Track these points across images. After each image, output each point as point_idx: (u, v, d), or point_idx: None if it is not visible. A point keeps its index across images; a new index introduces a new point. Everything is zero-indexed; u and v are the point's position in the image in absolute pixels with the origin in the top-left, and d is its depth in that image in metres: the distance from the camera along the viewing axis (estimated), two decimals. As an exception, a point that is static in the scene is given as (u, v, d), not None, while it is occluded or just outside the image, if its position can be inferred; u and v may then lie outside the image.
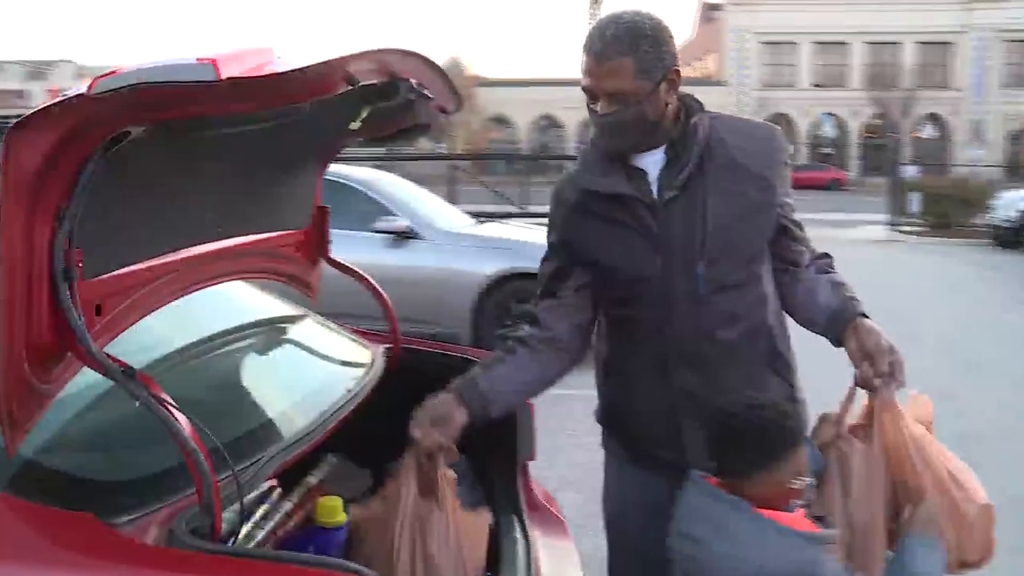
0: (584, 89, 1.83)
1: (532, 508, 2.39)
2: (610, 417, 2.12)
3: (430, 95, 1.85)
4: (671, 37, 1.83)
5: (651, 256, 1.87)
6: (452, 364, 2.48)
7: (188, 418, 1.32)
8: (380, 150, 23.08)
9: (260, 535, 2.05)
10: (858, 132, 51.70)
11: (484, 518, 1.94)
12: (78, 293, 1.28)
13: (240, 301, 2.54)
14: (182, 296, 1.75)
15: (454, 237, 7.22)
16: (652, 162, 1.88)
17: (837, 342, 1.90)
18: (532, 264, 6.81)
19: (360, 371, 2.26)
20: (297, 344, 2.50)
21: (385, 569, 1.67)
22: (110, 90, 1.16)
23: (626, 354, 2.01)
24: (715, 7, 56.83)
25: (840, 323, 1.88)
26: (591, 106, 1.83)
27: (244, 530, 2.02)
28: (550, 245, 2.04)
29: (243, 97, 1.25)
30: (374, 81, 1.60)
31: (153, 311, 1.64)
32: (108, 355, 1.31)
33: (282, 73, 1.22)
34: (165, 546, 1.27)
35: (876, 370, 1.78)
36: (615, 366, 2.05)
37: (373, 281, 2.54)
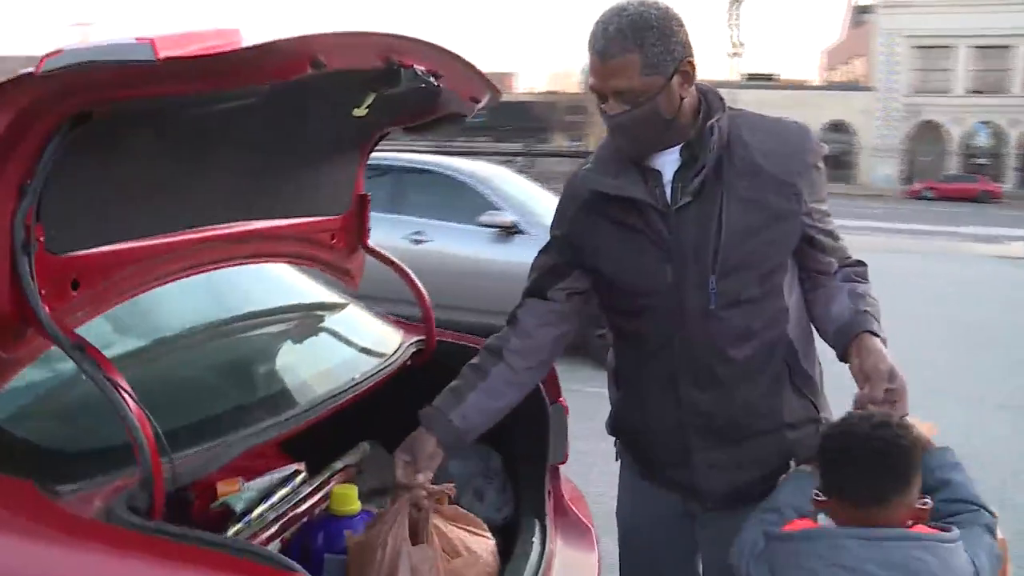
0: (591, 89, 1.70)
1: (559, 513, 2.31)
2: (621, 430, 2.02)
3: (441, 83, 1.77)
4: (681, 26, 1.67)
5: (662, 266, 1.75)
6: None
7: (133, 397, 1.29)
8: (516, 145, 23.36)
9: (272, 516, 2.06)
10: (1017, 142, 48.56)
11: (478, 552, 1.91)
12: (35, 266, 1.27)
13: (283, 286, 2.55)
14: (183, 277, 1.74)
15: (560, 235, 7.14)
16: (667, 163, 1.75)
17: (842, 357, 1.73)
18: None
19: (376, 360, 2.21)
20: (318, 331, 2.49)
21: None
22: (56, 68, 1.14)
23: (635, 367, 1.91)
24: (865, 9, 54.73)
25: (844, 338, 1.72)
26: (601, 107, 1.70)
27: (258, 510, 2.04)
28: (553, 238, 1.92)
29: (186, 77, 1.20)
30: (362, 67, 1.53)
31: (147, 290, 1.63)
32: (61, 328, 1.30)
33: (226, 53, 1.17)
34: (103, 520, 1.25)
35: (871, 396, 1.60)
36: (625, 378, 1.95)
37: (409, 271, 2.49)
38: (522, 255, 6.82)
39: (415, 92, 1.77)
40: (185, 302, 2.37)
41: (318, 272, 2.50)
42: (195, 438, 1.55)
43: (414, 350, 2.36)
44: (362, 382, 2.03)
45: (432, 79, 1.72)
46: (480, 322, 6.70)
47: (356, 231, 2.39)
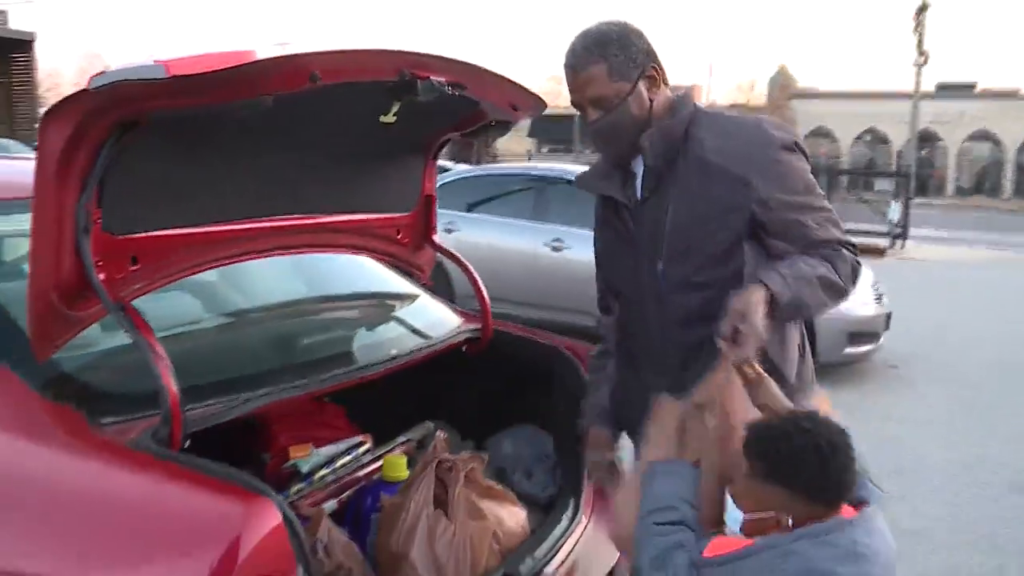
0: (572, 104, 1.90)
1: (598, 493, 2.43)
2: (617, 416, 2.17)
3: (465, 92, 1.99)
4: (640, 38, 1.87)
5: (628, 256, 1.95)
6: (541, 351, 2.62)
7: (161, 352, 1.58)
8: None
9: (332, 478, 2.34)
10: None
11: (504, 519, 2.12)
12: (93, 243, 1.59)
13: (368, 276, 2.84)
14: (240, 261, 2.05)
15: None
16: (640, 164, 1.92)
17: None
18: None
19: (422, 341, 2.46)
20: (377, 313, 2.75)
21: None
22: (101, 85, 1.45)
23: (619, 353, 2.12)
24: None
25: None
26: (584, 118, 1.90)
27: (321, 473, 2.34)
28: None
29: (197, 90, 1.45)
30: (366, 80, 1.77)
31: (205, 269, 1.96)
32: (109, 292, 1.61)
33: (227, 69, 1.44)
34: (131, 448, 1.55)
35: (719, 329, 1.64)
36: (616, 364, 2.14)
37: (469, 266, 2.71)
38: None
39: (452, 102, 2.00)
40: (272, 282, 2.73)
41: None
42: (219, 392, 1.84)
43: (466, 336, 2.58)
44: (399, 357, 2.27)
45: (450, 89, 1.93)
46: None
47: (422, 228, 2.63)
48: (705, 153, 1.86)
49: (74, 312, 1.65)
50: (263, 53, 1.51)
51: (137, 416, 1.62)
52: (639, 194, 1.93)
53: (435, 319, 2.68)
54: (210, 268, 1.99)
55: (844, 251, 1.89)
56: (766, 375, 1.67)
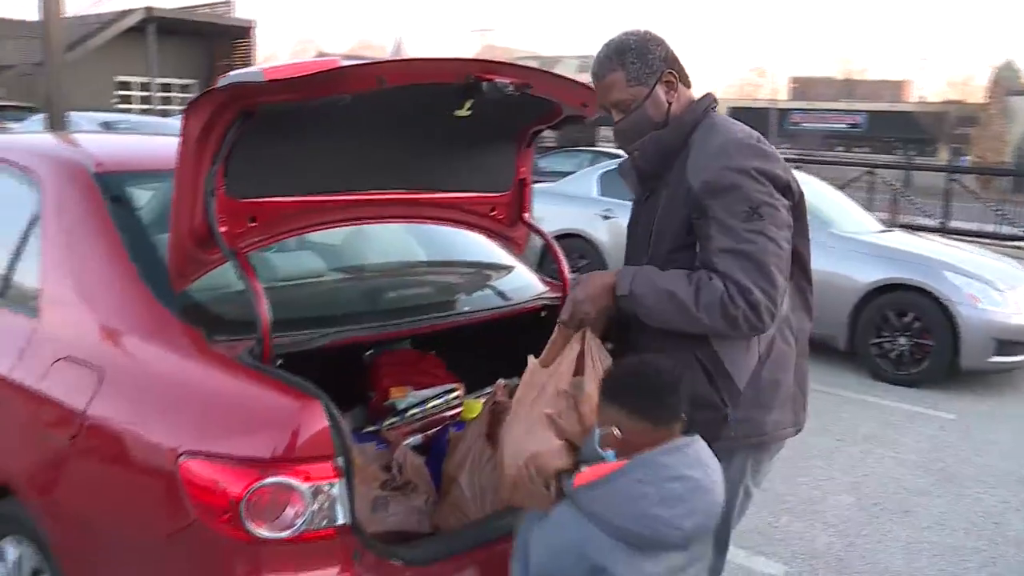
0: (600, 107, 2.17)
1: None
2: None
3: (532, 92, 2.33)
4: (659, 45, 2.09)
5: (631, 245, 2.25)
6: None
7: (260, 290, 2.04)
8: (880, 157, 22.39)
9: (420, 416, 2.78)
10: None
11: None
12: (217, 204, 2.07)
13: (473, 248, 3.25)
14: (343, 226, 2.52)
15: (844, 241, 7.10)
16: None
17: None
18: (914, 277, 6.66)
19: (500, 302, 2.84)
20: (468, 277, 3.15)
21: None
22: (225, 85, 1.92)
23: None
24: None
25: None
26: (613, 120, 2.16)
27: (412, 411, 2.78)
28: None
29: (289, 90, 1.87)
30: (428, 82, 2.14)
31: (312, 231, 2.43)
32: (227, 241, 2.09)
33: (309, 75, 1.86)
34: (234, 359, 2.02)
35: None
36: None
37: (554, 243, 3.05)
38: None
39: (529, 100, 2.36)
40: (387, 246, 3.21)
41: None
42: (310, 327, 2.29)
43: (545, 302, 2.93)
44: (471, 312, 2.67)
45: (515, 90, 2.29)
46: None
47: (516, 207, 3.00)
48: (686, 162, 2.05)
49: (203, 256, 2.14)
50: (342, 63, 1.93)
51: (241, 338, 2.09)
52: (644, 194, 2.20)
53: (520, 285, 3.05)
54: (316, 230, 2.47)
55: (723, 285, 1.93)
56: (595, 346, 2.07)
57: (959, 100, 49.41)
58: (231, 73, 1.95)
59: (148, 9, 34.37)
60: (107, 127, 10.71)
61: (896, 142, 42.92)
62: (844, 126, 49.73)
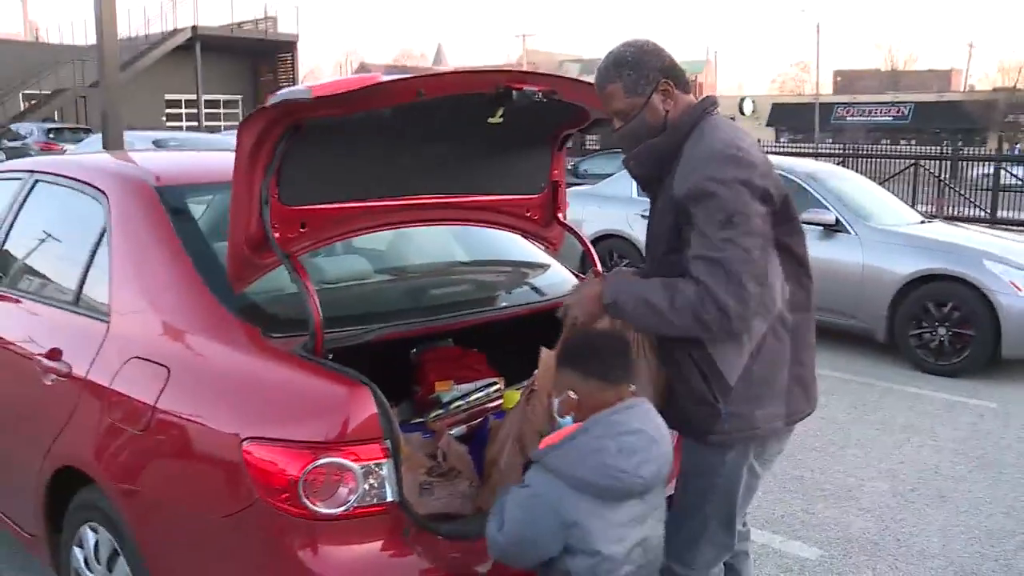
0: (604, 113, 2.34)
1: None
2: None
3: (559, 98, 2.49)
4: (655, 56, 2.22)
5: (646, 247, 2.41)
6: None
7: (312, 290, 2.23)
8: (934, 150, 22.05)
9: (464, 407, 2.95)
10: None
11: None
12: (271, 211, 2.26)
13: (512, 248, 3.42)
14: (389, 229, 2.71)
15: (882, 234, 7.15)
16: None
17: None
18: (952, 267, 6.75)
19: (535, 297, 3.00)
20: (506, 276, 3.31)
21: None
22: (275, 102, 2.11)
23: None
24: None
25: None
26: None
27: (456, 403, 2.95)
28: None
29: (334, 105, 2.06)
30: (463, 93, 2.31)
31: (360, 234, 2.62)
32: (280, 245, 2.28)
33: (351, 91, 2.05)
34: (288, 352, 2.21)
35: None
36: None
37: (587, 240, 3.21)
38: (841, 253, 7.13)
39: (558, 106, 2.53)
40: (429, 247, 3.40)
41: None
42: (358, 323, 2.47)
43: None
44: (506, 308, 2.83)
45: (543, 97, 2.45)
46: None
47: (550, 208, 3.17)
48: (679, 167, 2.17)
49: (258, 260, 2.34)
50: (382, 78, 2.11)
51: (294, 335, 2.28)
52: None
53: (555, 282, 3.21)
54: (362, 234, 2.65)
55: (696, 290, 2.06)
56: None
57: (1010, 88, 48.32)
58: (280, 91, 2.13)
59: (195, 28, 35.19)
60: (158, 145, 11.09)
61: (943, 133, 42.22)
62: (889, 118, 49.01)
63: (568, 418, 2.07)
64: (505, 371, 3.10)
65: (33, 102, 34.39)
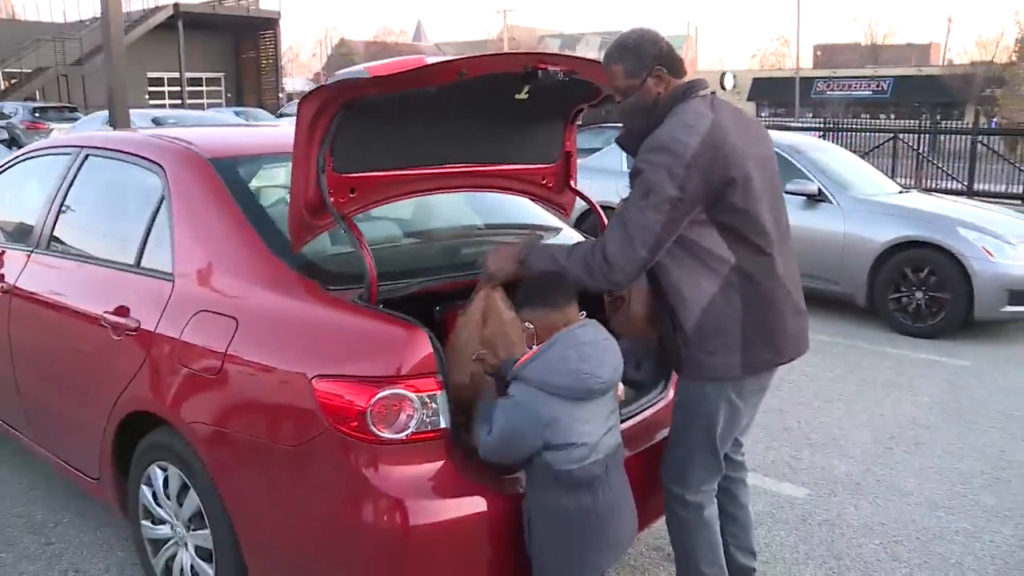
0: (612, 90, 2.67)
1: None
2: None
3: (578, 76, 2.79)
4: (653, 45, 2.55)
5: None
6: None
7: (367, 247, 2.53)
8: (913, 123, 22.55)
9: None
10: None
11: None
12: (327, 178, 2.56)
13: (528, 212, 3.72)
14: (428, 195, 3.02)
15: (862, 203, 7.50)
16: None
17: None
18: (928, 234, 7.18)
19: None
20: (524, 237, 3.62)
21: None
22: (333, 81, 2.40)
23: None
24: None
25: None
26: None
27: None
28: None
29: (387, 84, 2.35)
30: (499, 72, 2.61)
31: (402, 199, 2.92)
32: (336, 208, 2.57)
33: (404, 71, 2.34)
34: (347, 300, 2.52)
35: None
36: None
37: (597, 206, 3.53)
38: (823, 222, 7.50)
39: (574, 83, 2.83)
40: (458, 212, 3.72)
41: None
42: (399, 277, 2.78)
43: None
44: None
45: (564, 75, 2.75)
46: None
47: (563, 176, 3.48)
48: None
49: (315, 222, 2.64)
50: (430, 60, 2.41)
51: (351, 287, 2.59)
52: None
53: (567, 243, 3.51)
54: (404, 199, 2.95)
55: (594, 244, 2.48)
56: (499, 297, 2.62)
57: (987, 61, 48.82)
58: (338, 72, 2.43)
59: (176, 6, 35.02)
60: (157, 123, 11.27)
61: (922, 107, 42.69)
62: (869, 92, 49.49)
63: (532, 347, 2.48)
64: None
65: (14, 81, 34.25)
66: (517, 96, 2.81)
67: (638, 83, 2.57)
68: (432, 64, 2.39)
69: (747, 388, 2.68)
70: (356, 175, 2.69)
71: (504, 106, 2.89)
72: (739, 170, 2.46)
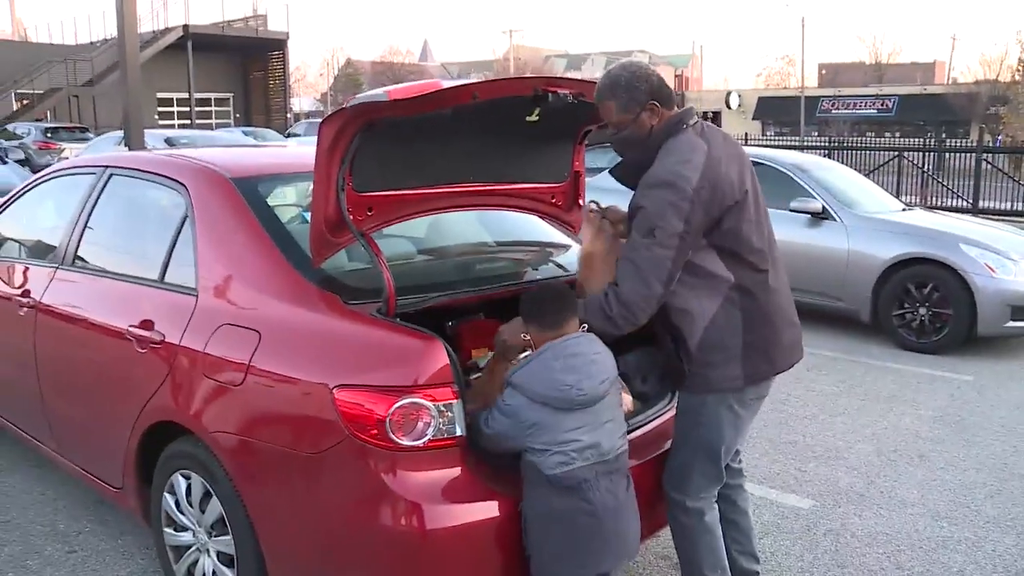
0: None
1: None
2: None
3: (585, 99, 2.90)
4: (646, 81, 2.65)
5: None
6: None
7: (386, 263, 2.63)
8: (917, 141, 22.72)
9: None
10: None
11: None
12: (346, 197, 2.67)
13: (536, 230, 3.83)
14: (440, 213, 3.12)
15: (866, 221, 7.59)
16: None
17: None
18: (931, 250, 7.27)
19: (559, 272, 3.42)
20: (534, 254, 3.73)
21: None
22: (353, 104, 2.52)
23: None
24: None
25: None
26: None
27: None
28: None
29: (405, 107, 2.46)
30: (510, 95, 2.72)
31: (418, 217, 3.04)
32: (356, 226, 2.68)
33: (421, 95, 2.45)
34: (366, 314, 2.62)
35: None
36: None
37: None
38: (827, 239, 7.60)
39: (580, 106, 2.94)
40: (469, 230, 3.82)
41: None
42: (417, 292, 2.88)
43: None
44: (536, 281, 3.26)
45: (572, 98, 2.86)
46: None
47: (572, 195, 3.59)
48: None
49: (335, 238, 2.75)
50: (446, 84, 2.52)
51: (369, 301, 2.69)
52: None
53: (575, 260, 3.62)
54: (420, 216, 3.07)
55: (607, 291, 2.60)
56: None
57: (991, 80, 48.94)
58: (359, 95, 2.55)
59: (186, 27, 35.40)
60: (170, 143, 11.43)
61: (927, 125, 42.82)
62: (874, 111, 49.65)
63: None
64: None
65: (25, 102, 34.59)
66: (528, 118, 2.93)
67: (632, 118, 2.68)
68: (448, 88, 2.51)
69: (747, 397, 2.78)
70: (374, 194, 2.80)
71: (515, 127, 3.01)
72: (734, 198, 2.62)
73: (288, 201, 3.39)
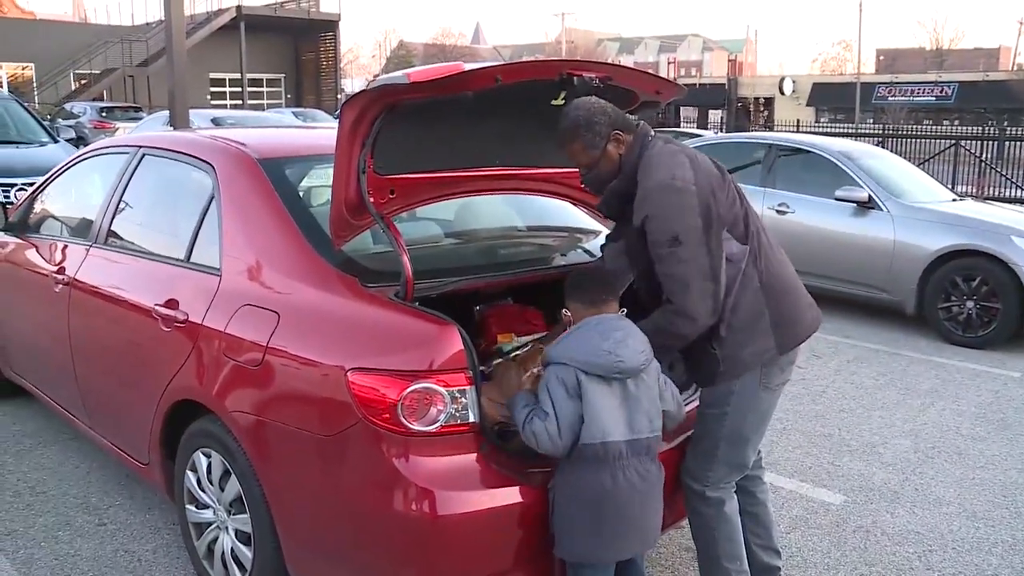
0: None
1: None
2: None
3: (613, 83, 2.85)
4: (603, 115, 2.65)
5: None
6: None
7: (404, 247, 2.62)
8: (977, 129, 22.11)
9: (523, 354, 3.34)
10: None
11: None
12: (367, 180, 2.66)
13: (566, 215, 3.80)
14: (464, 196, 3.10)
15: (913, 211, 7.40)
16: None
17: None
18: (980, 242, 7.09)
19: (585, 258, 3.38)
20: (561, 240, 3.69)
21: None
22: (375, 87, 2.50)
23: None
24: None
25: None
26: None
27: (514, 352, 3.34)
28: None
29: (426, 89, 2.43)
30: (535, 79, 2.68)
31: (440, 200, 3.01)
32: (376, 208, 2.67)
33: (442, 77, 2.42)
34: (385, 297, 2.60)
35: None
36: None
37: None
38: (873, 229, 7.42)
39: (611, 90, 2.89)
40: (498, 213, 3.80)
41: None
42: (437, 276, 2.86)
43: None
44: (565, 267, 3.22)
45: (599, 82, 2.81)
46: (832, 288, 7.34)
47: None
48: (635, 201, 2.62)
49: (356, 221, 2.74)
50: (467, 67, 2.49)
51: (388, 284, 2.68)
52: None
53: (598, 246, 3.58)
54: (441, 200, 3.05)
55: (662, 313, 2.61)
56: None
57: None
58: (380, 77, 2.53)
59: (239, 8, 35.78)
60: (216, 123, 11.56)
61: (988, 113, 41.65)
62: (932, 98, 48.40)
63: None
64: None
65: (83, 82, 35.31)
66: (554, 102, 2.88)
67: (599, 153, 2.69)
68: (469, 71, 2.48)
69: (774, 372, 2.76)
70: (396, 176, 2.78)
71: (541, 111, 2.96)
72: (720, 181, 2.67)
73: (316, 182, 3.39)
